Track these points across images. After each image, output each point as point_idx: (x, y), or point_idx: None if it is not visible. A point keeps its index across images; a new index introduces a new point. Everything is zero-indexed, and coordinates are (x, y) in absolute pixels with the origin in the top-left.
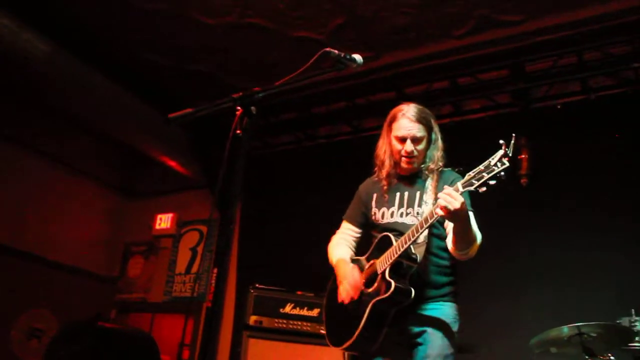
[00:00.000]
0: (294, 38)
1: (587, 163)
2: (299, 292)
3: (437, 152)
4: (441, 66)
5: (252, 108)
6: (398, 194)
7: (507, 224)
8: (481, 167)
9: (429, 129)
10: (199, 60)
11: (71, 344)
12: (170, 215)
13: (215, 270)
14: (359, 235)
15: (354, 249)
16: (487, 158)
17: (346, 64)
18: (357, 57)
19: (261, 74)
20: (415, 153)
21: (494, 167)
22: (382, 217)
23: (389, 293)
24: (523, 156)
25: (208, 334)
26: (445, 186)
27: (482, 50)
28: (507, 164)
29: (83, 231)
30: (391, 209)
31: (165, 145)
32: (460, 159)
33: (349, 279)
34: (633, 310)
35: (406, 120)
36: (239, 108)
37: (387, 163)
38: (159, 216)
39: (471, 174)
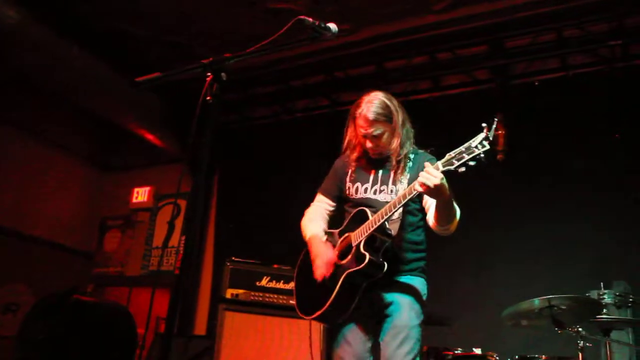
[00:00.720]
0: (272, 9)
1: (563, 140)
2: (275, 266)
3: (403, 139)
4: (420, 41)
5: (222, 74)
6: (373, 171)
7: (481, 199)
8: (462, 147)
9: (389, 121)
10: (176, 32)
11: (46, 317)
12: (147, 188)
13: (184, 238)
14: (333, 208)
15: (327, 223)
16: (468, 137)
17: (321, 32)
18: (332, 26)
19: (238, 45)
20: (378, 147)
21: (474, 149)
22: (356, 192)
23: (362, 265)
24: (500, 132)
25: (174, 303)
26: (426, 163)
27: (461, 26)
28: (488, 147)
29: (59, 205)
30: (365, 185)
31: (142, 118)
32: (439, 133)
33: (322, 257)
34: (602, 283)
35: (363, 120)
36: (209, 74)
37: (357, 146)
38: (136, 190)
39: (452, 154)
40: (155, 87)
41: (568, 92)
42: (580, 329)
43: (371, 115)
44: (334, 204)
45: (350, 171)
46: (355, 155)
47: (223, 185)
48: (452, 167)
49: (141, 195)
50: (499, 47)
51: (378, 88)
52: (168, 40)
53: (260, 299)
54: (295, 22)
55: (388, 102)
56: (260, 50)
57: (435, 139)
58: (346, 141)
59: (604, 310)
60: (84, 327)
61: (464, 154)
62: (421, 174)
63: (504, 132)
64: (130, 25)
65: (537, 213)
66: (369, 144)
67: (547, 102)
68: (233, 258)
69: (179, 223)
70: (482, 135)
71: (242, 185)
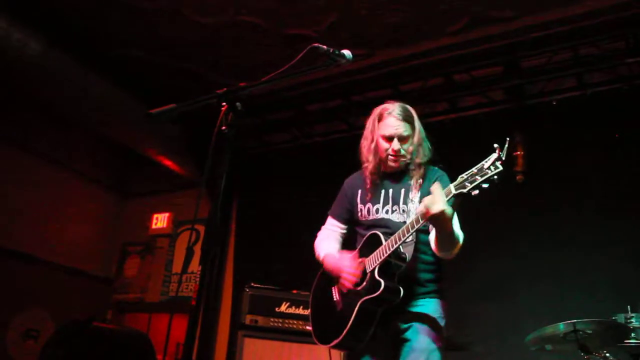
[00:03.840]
0: (287, 36)
1: (584, 159)
2: (294, 291)
3: (421, 150)
4: (436, 63)
5: (237, 104)
6: (383, 190)
7: (502, 222)
8: (474, 169)
9: (413, 128)
10: (192, 60)
11: (66, 344)
12: (166, 214)
13: (200, 268)
14: (344, 231)
15: (340, 244)
16: (481, 159)
17: (335, 59)
18: (347, 52)
19: (254, 72)
20: (402, 152)
21: (487, 171)
22: (368, 213)
23: (378, 292)
24: (518, 153)
25: (192, 332)
26: (432, 187)
27: (476, 47)
28: (501, 168)
29: (79, 231)
30: (376, 206)
31: (161, 144)
32: (455, 155)
33: (345, 267)
34: (629, 306)
35: (393, 119)
36: (224, 104)
37: (372, 160)
38: (155, 216)
39: (464, 176)
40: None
41: (586, 110)
42: (607, 355)
43: (400, 115)
44: (345, 226)
45: (360, 191)
46: (369, 169)
47: (241, 210)
48: (464, 190)
49: (160, 221)
50: (514, 67)
51: None
52: (185, 68)
53: (280, 324)
54: (309, 49)
55: (409, 107)
56: (275, 79)
57: (452, 160)
58: (362, 155)
59: (632, 335)
60: (103, 354)
61: (476, 176)
62: (425, 199)
63: (522, 152)
64: (148, 53)
65: (560, 236)
66: (396, 146)
67: (565, 122)
68: (252, 284)
69: (197, 248)
70: (494, 156)
71: (260, 210)
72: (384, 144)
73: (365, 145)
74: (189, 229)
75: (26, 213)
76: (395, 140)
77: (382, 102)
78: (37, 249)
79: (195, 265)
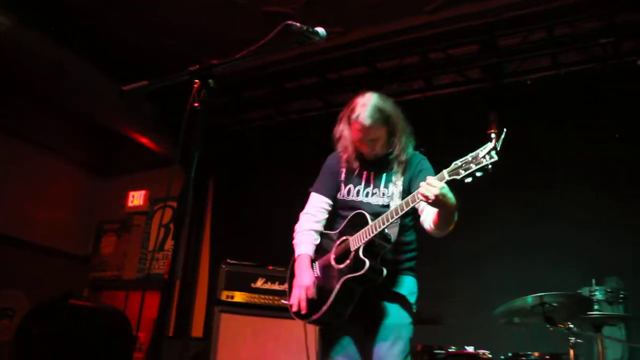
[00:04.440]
0: (265, 13)
1: (555, 139)
2: (269, 267)
3: (400, 141)
4: (412, 41)
5: (210, 81)
6: (365, 173)
7: (472, 198)
8: (469, 157)
9: (386, 124)
10: (169, 37)
11: (42, 322)
12: (142, 192)
13: (172, 243)
14: (330, 207)
15: (323, 227)
16: (462, 138)
17: (309, 37)
18: (320, 30)
19: (231, 49)
20: (375, 150)
21: (482, 160)
22: (348, 193)
23: (362, 271)
24: (492, 131)
25: (164, 307)
26: (428, 176)
27: (453, 25)
28: (496, 158)
29: (55, 210)
30: (357, 187)
31: (137, 122)
32: (432, 133)
33: (301, 289)
34: (593, 280)
35: (359, 125)
36: (196, 81)
37: (350, 148)
38: (132, 193)
39: (458, 163)
40: (147, 92)
41: (560, 90)
42: (571, 326)
43: (367, 122)
44: (330, 202)
45: (342, 171)
46: (347, 156)
47: (218, 187)
48: (458, 177)
49: (137, 199)
50: (490, 46)
51: (370, 89)
52: (162, 45)
53: (256, 300)
54: (283, 27)
55: (383, 104)
56: (248, 56)
57: (428, 138)
58: (338, 141)
59: (596, 307)
60: (80, 331)
61: (471, 164)
62: (422, 184)
63: (496, 131)
64: (124, 30)
65: (530, 212)
66: (364, 148)
67: (539, 101)
68: (228, 260)
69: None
70: (490, 145)
71: (237, 187)
72: (357, 141)
73: (341, 130)
74: (165, 206)
75: (1, 192)
76: (364, 144)
77: (358, 80)
78: (13, 229)
79: (169, 243)
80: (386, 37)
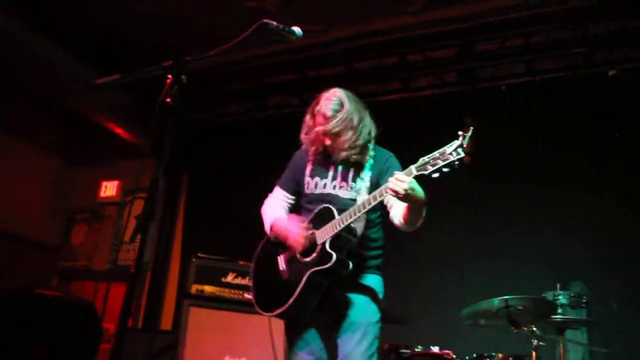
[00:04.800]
0: (246, 8)
1: (527, 143)
2: (240, 262)
3: (363, 135)
4: (391, 42)
5: (183, 76)
6: (332, 166)
7: (444, 200)
8: (436, 153)
9: (349, 117)
10: (147, 27)
11: (8, 311)
12: (115, 182)
13: (139, 237)
14: (292, 201)
15: (286, 214)
16: (436, 139)
17: (285, 36)
18: (297, 29)
19: (211, 43)
20: (337, 144)
21: (449, 156)
22: (315, 187)
23: (329, 264)
24: (467, 134)
25: (129, 299)
26: (396, 172)
27: (432, 29)
28: (462, 155)
29: (25, 198)
30: (324, 180)
31: (111, 112)
32: (408, 134)
33: (296, 230)
34: (558, 284)
35: (321, 117)
36: (169, 76)
37: (316, 142)
38: (104, 183)
39: (426, 158)
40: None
41: (534, 96)
42: (534, 329)
43: (329, 112)
44: (292, 197)
45: (309, 165)
46: (314, 149)
47: (192, 181)
48: (425, 172)
49: (109, 189)
50: (468, 50)
51: (348, 88)
52: (141, 36)
53: (226, 294)
54: (258, 25)
55: (346, 99)
56: (222, 53)
57: (404, 139)
58: (304, 136)
59: (559, 311)
60: (46, 321)
61: (438, 160)
62: (390, 179)
63: (467, 130)
64: (104, 19)
65: (499, 215)
66: (327, 141)
67: (513, 106)
68: (199, 254)
69: None
70: (457, 142)
71: (211, 182)
72: (321, 134)
73: (309, 124)
74: (137, 197)
75: None
76: (327, 137)
77: (336, 79)
78: None
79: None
80: (366, 37)
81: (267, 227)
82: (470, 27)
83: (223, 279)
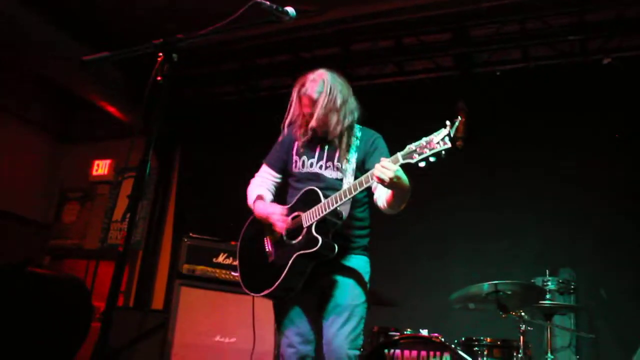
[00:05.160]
0: None
1: (520, 129)
2: (232, 242)
3: (347, 117)
4: (386, 25)
5: (174, 55)
6: (319, 146)
7: (436, 184)
8: (423, 141)
9: (332, 100)
10: (141, 5)
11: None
12: (107, 161)
13: (128, 216)
14: (278, 180)
15: (273, 193)
16: (429, 124)
17: (278, 16)
18: (290, 9)
19: (204, 23)
20: (322, 126)
21: (436, 145)
22: (303, 165)
23: (315, 248)
24: (460, 119)
25: (117, 278)
26: (382, 158)
27: (427, 12)
28: (449, 145)
29: (17, 176)
30: (311, 160)
31: (104, 90)
32: (402, 117)
33: (276, 212)
34: (547, 270)
35: (306, 99)
36: (160, 54)
37: (301, 122)
38: (97, 162)
39: (412, 146)
40: (115, 61)
41: (528, 82)
42: (523, 314)
43: (314, 95)
44: (279, 175)
45: (297, 145)
46: (301, 130)
47: (185, 160)
48: (412, 161)
49: (101, 167)
50: (463, 35)
51: (342, 70)
52: (134, 14)
53: (217, 275)
54: (251, 5)
55: (331, 80)
56: (214, 32)
57: (398, 122)
58: (290, 116)
59: (548, 296)
60: (38, 299)
61: (425, 149)
62: (376, 166)
63: (464, 119)
64: None
65: (490, 200)
66: (313, 123)
67: (508, 92)
68: (191, 234)
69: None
70: (444, 132)
71: (203, 161)
72: (307, 115)
73: (294, 104)
74: (130, 176)
75: None
76: (313, 119)
77: (330, 60)
78: None
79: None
80: (361, 19)
81: (250, 205)
82: (466, 10)
83: (214, 259)
